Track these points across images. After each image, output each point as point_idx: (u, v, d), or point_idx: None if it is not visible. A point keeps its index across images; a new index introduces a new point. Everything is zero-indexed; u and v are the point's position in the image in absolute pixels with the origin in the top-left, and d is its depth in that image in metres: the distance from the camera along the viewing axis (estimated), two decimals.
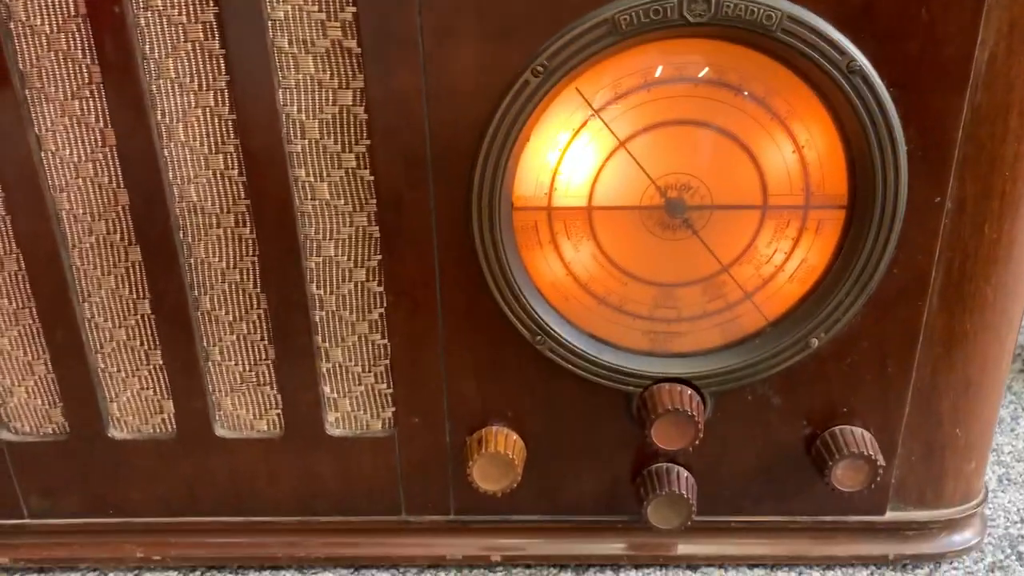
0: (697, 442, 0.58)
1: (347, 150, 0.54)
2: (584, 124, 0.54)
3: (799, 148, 0.54)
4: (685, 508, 0.61)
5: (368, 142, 0.54)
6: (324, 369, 0.61)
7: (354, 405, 0.62)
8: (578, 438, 0.62)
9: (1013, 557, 0.69)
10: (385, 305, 0.58)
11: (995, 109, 0.52)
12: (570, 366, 0.59)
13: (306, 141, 0.54)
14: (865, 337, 0.58)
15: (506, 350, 0.59)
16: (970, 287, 0.57)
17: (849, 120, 0.52)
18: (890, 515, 0.66)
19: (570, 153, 0.55)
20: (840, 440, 0.60)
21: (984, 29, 0.49)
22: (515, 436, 0.61)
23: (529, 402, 0.61)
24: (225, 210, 0.56)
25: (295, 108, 0.53)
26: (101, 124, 0.54)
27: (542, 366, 0.59)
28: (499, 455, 0.60)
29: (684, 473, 0.62)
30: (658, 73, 0.52)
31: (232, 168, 0.55)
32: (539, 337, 0.58)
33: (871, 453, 0.59)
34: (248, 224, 0.56)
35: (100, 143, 0.54)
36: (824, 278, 0.57)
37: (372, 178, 0.55)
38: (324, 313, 0.59)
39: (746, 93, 0.53)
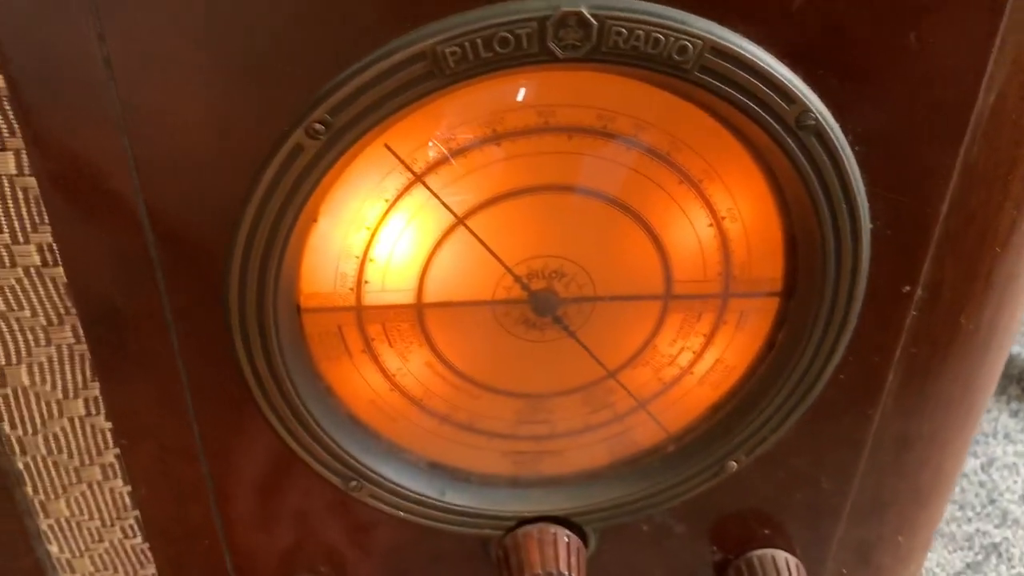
0: None
1: (22, 239, 0.34)
2: (402, 194, 0.35)
3: (717, 220, 0.37)
4: None
5: (51, 228, 0.34)
6: (44, 527, 0.42)
7: (97, 564, 0.44)
8: None
9: None
10: (120, 445, 0.40)
11: (995, 168, 0.36)
12: (402, 513, 0.42)
13: None
14: (798, 453, 0.43)
15: (309, 498, 0.41)
16: (934, 387, 0.43)
17: (792, 186, 0.35)
18: None
19: (385, 233, 0.36)
20: (758, 571, 0.46)
21: (995, 62, 0.33)
22: None
23: (350, 555, 0.44)
24: None
25: None
26: None
27: (363, 512, 0.42)
28: None
29: None
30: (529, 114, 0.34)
31: None
32: (354, 483, 0.40)
33: None
34: None
35: None
36: (746, 381, 0.42)
37: (67, 279, 0.35)
38: (30, 459, 0.40)
39: (643, 146, 0.35)
